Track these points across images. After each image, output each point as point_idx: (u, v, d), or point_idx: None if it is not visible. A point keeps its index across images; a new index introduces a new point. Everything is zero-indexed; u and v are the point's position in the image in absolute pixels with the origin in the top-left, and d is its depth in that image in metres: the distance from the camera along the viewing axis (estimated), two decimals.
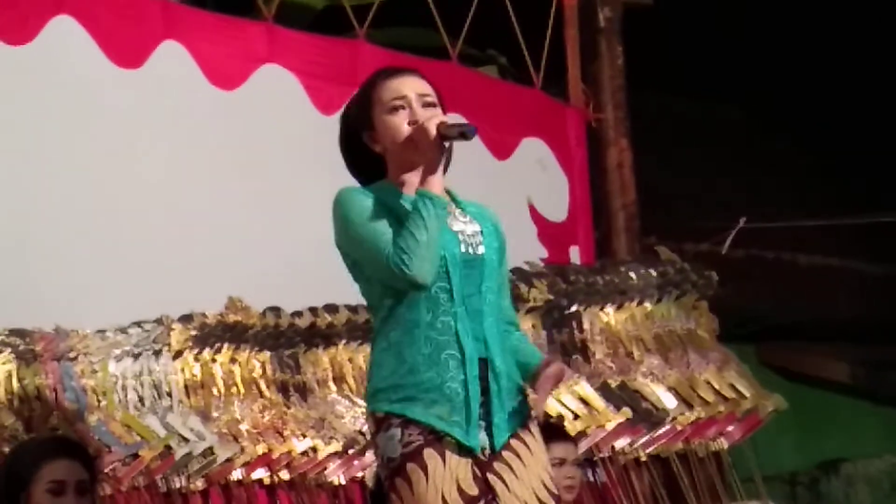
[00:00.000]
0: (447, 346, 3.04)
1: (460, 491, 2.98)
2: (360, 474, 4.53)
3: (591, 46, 6.36)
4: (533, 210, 6.04)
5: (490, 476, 3.02)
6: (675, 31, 7.67)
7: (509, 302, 3.29)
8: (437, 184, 3.06)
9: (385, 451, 3.05)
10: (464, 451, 3.01)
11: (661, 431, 5.12)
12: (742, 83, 8.43)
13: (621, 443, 5.04)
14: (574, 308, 5.32)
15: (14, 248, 4.55)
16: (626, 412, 5.05)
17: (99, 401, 4.32)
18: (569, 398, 5.04)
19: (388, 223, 3.05)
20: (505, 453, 3.05)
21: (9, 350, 4.20)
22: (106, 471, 4.11)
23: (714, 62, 8.10)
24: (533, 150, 6.12)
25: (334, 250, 5.27)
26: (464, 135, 3.05)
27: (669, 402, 5.18)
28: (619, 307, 5.37)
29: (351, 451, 4.56)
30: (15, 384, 4.17)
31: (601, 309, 5.35)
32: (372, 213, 3.07)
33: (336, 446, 4.55)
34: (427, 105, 3.16)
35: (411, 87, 3.19)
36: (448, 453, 2.99)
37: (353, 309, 4.97)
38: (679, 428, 5.15)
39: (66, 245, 4.65)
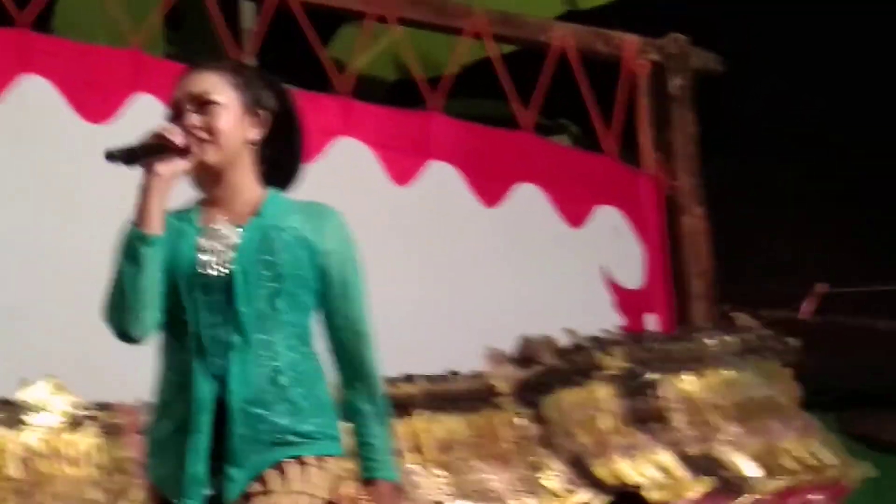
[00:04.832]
0: (182, 390, 2.75)
1: None
2: None
3: (662, 114, 6.37)
4: (609, 278, 6.03)
5: None
6: (746, 96, 7.67)
7: (347, 336, 2.87)
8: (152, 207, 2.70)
9: None
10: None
11: (743, 501, 5.04)
12: (815, 147, 8.38)
13: None
14: (652, 376, 5.28)
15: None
16: (708, 481, 4.98)
17: None
18: (648, 467, 4.99)
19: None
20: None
21: (94, 424, 4.24)
22: None
23: (787, 126, 8.07)
24: (607, 218, 6.12)
25: (411, 318, 5.32)
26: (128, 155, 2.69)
27: (751, 470, 5.10)
28: (699, 375, 5.33)
29: None
30: (100, 458, 4.20)
31: (679, 377, 5.31)
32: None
33: None
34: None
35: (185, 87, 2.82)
36: None
37: (431, 379, 4.98)
38: (761, 497, 5.06)
39: None
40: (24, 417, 4.11)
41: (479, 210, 5.80)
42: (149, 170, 2.70)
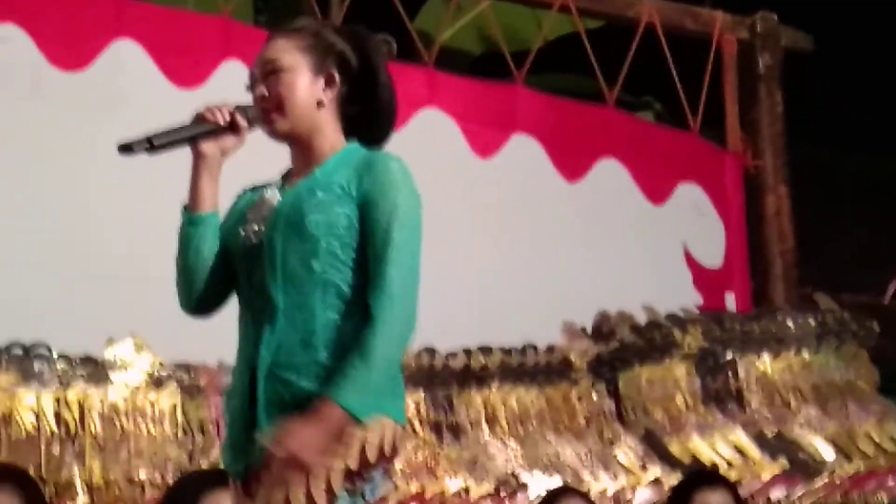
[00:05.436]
0: (239, 360, 2.73)
1: None
2: None
3: (750, 92, 6.31)
4: (688, 256, 6.00)
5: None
6: (835, 77, 7.56)
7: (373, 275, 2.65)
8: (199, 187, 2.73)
9: None
10: (235, 480, 2.72)
11: (818, 483, 5.01)
12: None
13: (777, 494, 4.94)
14: (729, 356, 5.25)
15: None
16: (783, 463, 4.96)
17: None
18: (723, 447, 4.97)
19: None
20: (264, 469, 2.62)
21: (174, 384, 4.32)
22: None
23: (874, 110, 7.95)
24: (689, 195, 6.09)
25: (490, 291, 5.32)
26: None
27: (827, 453, 5.06)
28: (776, 356, 5.29)
29: (503, 493, 4.56)
30: (180, 417, 4.28)
31: (757, 357, 5.27)
32: None
33: (488, 487, 4.56)
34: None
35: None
36: (233, 486, 2.73)
37: (507, 351, 5.01)
38: (837, 481, 5.02)
39: None
40: (108, 375, 4.20)
41: (560, 185, 5.80)
42: (194, 150, 2.70)
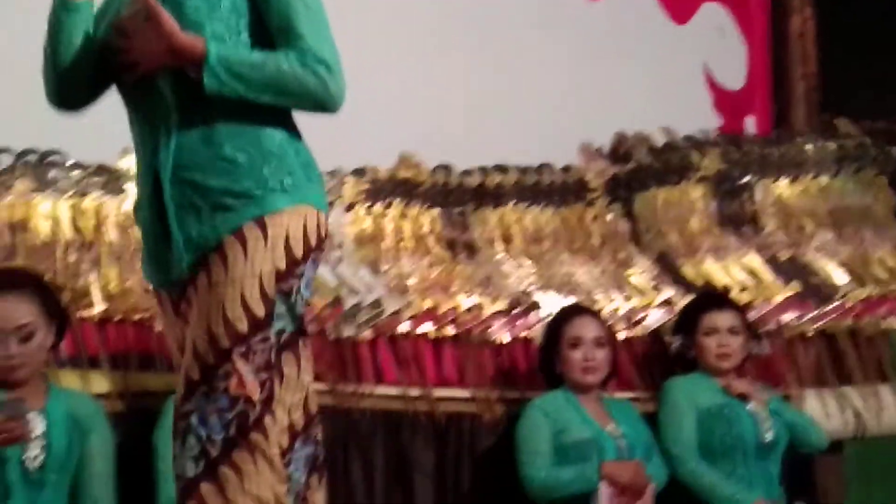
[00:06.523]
0: (138, 167, 2.64)
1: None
2: (524, 334, 4.55)
3: None
4: (709, 77, 5.91)
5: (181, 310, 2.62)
6: None
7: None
8: None
9: None
10: (159, 292, 2.71)
11: (830, 307, 5.01)
12: None
13: (788, 317, 4.95)
14: (746, 179, 5.22)
15: None
16: (795, 286, 4.96)
17: None
18: (737, 269, 4.98)
19: None
20: (190, 286, 2.59)
21: None
22: None
23: None
24: (712, 16, 5.97)
25: (505, 111, 5.26)
26: None
27: (840, 278, 5.07)
28: (794, 180, 5.26)
29: (515, 311, 4.58)
30: None
31: (774, 181, 5.25)
32: None
33: (501, 305, 4.58)
34: None
35: None
36: (159, 300, 2.73)
37: (523, 170, 4.99)
38: (849, 305, 5.02)
39: None
40: (123, 185, 4.19)
41: (580, 2, 5.69)
42: None
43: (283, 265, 2.58)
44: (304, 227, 2.61)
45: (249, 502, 2.53)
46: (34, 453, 3.20)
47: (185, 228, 2.58)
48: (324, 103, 2.61)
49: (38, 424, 3.21)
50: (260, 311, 2.55)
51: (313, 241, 2.63)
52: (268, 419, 2.55)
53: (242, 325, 2.54)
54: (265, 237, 2.57)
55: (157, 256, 2.66)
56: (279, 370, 2.58)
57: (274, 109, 2.60)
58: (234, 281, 2.55)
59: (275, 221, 2.58)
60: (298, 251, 2.60)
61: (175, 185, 2.57)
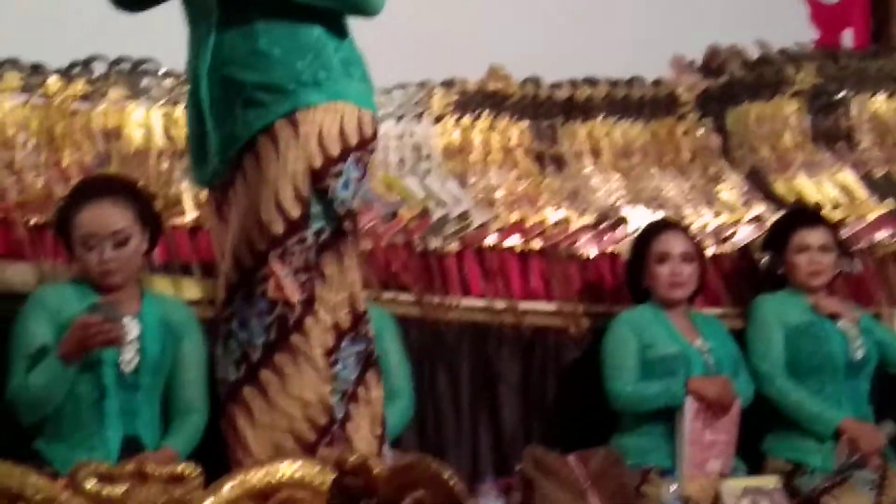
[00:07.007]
0: (188, 66, 2.71)
1: None
2: (611, 248, 4.53)
3: None
4: None
5: None
6: None
7: None
8: None
9: None
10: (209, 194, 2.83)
11: None
12: None
13: (881, 235, 4.86)
14: (842, 94, 5.12)
15: None
16: (890, 203, 4.87)
17: None
18: (829, 186, 4.90)
19: None
20: (230, 188, 2.69)
21: None
22: (366, 227, 4.24)
23: None
24: None
25: (599, 22, 5.20)
26: None
27: None
28: (891, 95, 5.15)
29: (603, 226, 4.56)
30: None
31: (871, 96, 5.14)
32: None
33: (588, 219, 4.55)
34: None
35: None
36: (210, 202, 2.89)
37: (613, 83, 4.93)
38: None
39: None
40: None
41: None
42: None
43: (317, 163, 2.54)
44: (342, 124, 2.55)
45: (292, 403, 2.55)
46: (129, 356, 3.25)
47: (219, 125, 2.57)
48: (363, 5, 2.54)
49: (133, 328, 3.26)
50: (295, 211, 2.53)
51: (353, 140, 2.56)
52: (309, 320, 2.55)
53: (278, 227, 2.52)
54: (297, 135, 2.53)
55: (198, 157, 2.67)
56: (319, 271, 2.57)
57: (314, 8, 2.55)
58: (268, 182, 2.53)
59: (307, 118, 2.54)
60: (335, 149, 2.54)
61: (213, 81, 2.57)
